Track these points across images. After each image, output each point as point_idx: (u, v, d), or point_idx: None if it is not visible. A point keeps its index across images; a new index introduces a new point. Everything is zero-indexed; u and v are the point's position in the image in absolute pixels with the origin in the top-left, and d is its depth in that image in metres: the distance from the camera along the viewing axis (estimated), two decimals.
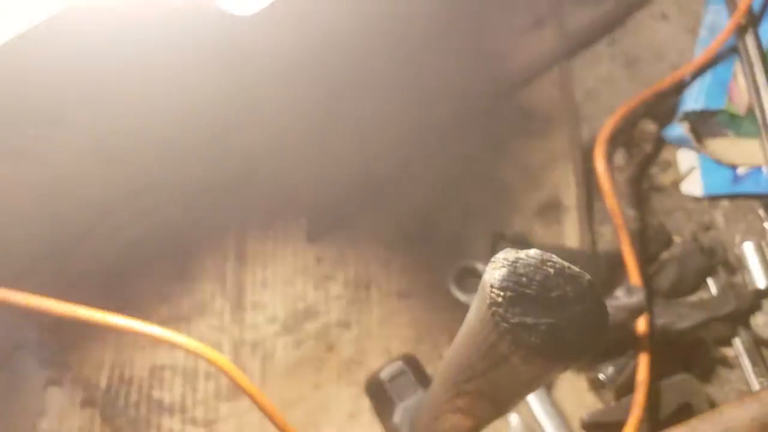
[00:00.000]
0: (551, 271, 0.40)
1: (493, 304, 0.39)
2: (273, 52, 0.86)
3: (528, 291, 0.39)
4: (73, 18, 0.72)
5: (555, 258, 0.41)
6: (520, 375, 0.43)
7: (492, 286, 0.39)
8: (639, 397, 0.86)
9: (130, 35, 0.75)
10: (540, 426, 0.89)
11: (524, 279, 0.40)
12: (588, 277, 0.40)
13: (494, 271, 0.40)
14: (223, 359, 0.81)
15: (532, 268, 0.40)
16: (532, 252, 0.41)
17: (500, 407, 0.53)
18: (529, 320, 0.38)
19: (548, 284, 0.40)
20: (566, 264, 0.41)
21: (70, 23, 0.73)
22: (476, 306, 0.42)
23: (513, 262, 0.40)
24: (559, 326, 0.39)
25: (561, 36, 1.08)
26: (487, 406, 0.53)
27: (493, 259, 0.40)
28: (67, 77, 0.76)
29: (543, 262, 0.40)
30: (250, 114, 0.98)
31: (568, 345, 0.39)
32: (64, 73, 0.75)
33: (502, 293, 0.39)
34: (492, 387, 0.49)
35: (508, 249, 0.40)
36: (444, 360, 0.56)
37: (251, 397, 0.81)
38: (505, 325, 0.39)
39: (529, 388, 0.47)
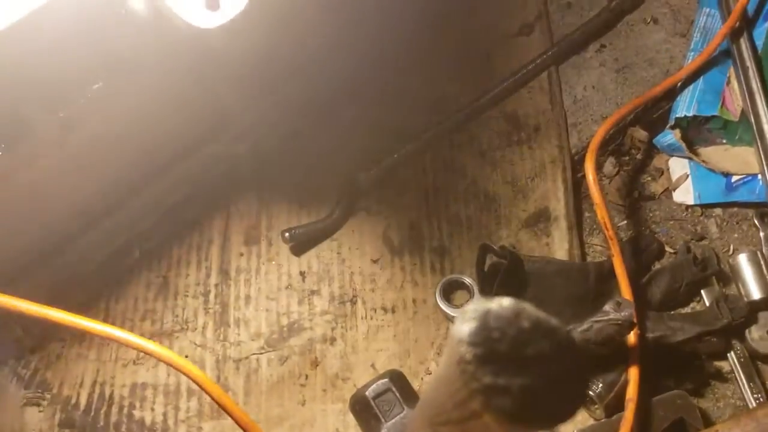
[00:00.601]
0: (525, 324, 0.37)
1: (463, 360, 0.36)
2: (242, 60, 0.84)
3: (500, 347, 0.37)
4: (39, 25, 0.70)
5: (530, 309, 0.38)
6: None
7: (461, 341, 0.37)
8: (628, 415, 0.84)
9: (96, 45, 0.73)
10: None
11: (496, 333, 0.37)
12: (566, 330, 0.37)
13: (463, 324, 0.37)
14: (202, 374, 0.79)
15: (504, 320, 0.37)
16: (506, 302, 0.38)
17: None
18: (500, 381, 0.35)
19: (522, 339, 0.37)
20: (542, 316, 0.38)
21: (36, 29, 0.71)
22: (447, 356, 0.40)
23: (484, 314, 0.37)
24: (533, 387, 0.36)
25: (549, 42, 1.05)
26: None
27: (462, 311, 0.37)
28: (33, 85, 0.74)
29: (517, 314, 0.37)
30: (228, 123, 0.95)
31: (544, 409, 0.36)
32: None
33: (471, 350, 0.36)
34: None
35: (477, 299, 0.38)
36: (424, 395, 0.54)
37: (227, 411, 0.79)
38: (476, 384, 0.36)
39: None
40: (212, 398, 0.79)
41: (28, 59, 0.67)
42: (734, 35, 1.01)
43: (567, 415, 0.37)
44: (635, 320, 0.86)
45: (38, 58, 0.66)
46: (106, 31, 0.66)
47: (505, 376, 0.36)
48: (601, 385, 0.87)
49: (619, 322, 0.86)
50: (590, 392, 0.87)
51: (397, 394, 0.88)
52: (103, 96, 0.73)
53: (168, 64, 0.73)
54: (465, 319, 0.37)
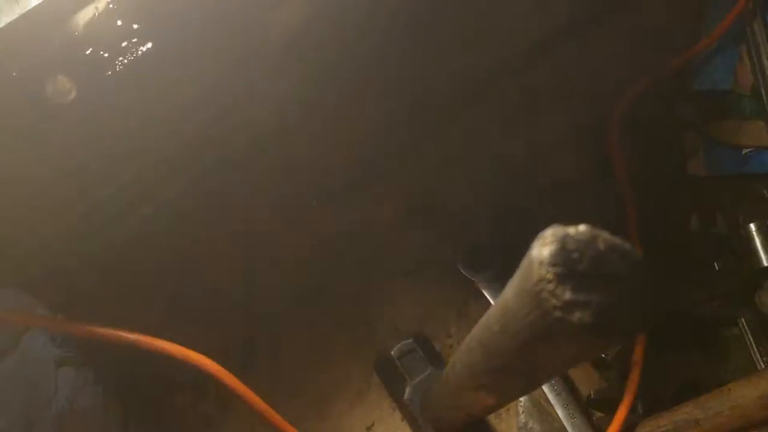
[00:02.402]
0: (602, 246, 0.40)
1: (542, 280, 0.39)
2: (285, 26, 0.86)
3: (578, 268, 0.39)
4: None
5: (606, 233, 0.40)
6: (560, 353, 0.43)
7: (542, 263, 0.39)
8: (634, 376, 0.86)
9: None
10: (548, 402, 0.90)
11: (575, 255, 0.39)
12: (639, 253, 0.40)
13: (543, 247, 0.39)
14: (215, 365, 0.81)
15: (582, 243, 0.40)
16: (582, 227, 0.40)
17: (530, 384, 0.53)
18: (581, 298, 0.38)
19: (599, 260, 0.40)
20: (618, 240, 0.40)
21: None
22: (517, 284, 0.42)
23: (562, 238, 0.40)
24: (611, 304, 0.39)
25: (566, 14, 1.08)
26: (517, 383, 0.54)
27: (540, 235, 0.40)
28: None
29: (593, 237, 0.40)
30: (259, 89, 0.97)
31: (620, 322, 0.39)
32: None
33: (552, 269, 0.39)
34: (526, 365, 0.49)
35: (555, 225, 0.40)
36: (469, 338, 0.56)
37: (244, 398, 0.81)
38: (554, 301, 0.39)
39: (568, 365, 0.47)
40: (233, 390, 0.81)
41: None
42: (747, 13, 1.04)
43: (641, 327, 0.39)
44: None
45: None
46: None
47: (584, 293, 0.38)
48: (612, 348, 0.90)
49: None
50: (602, 355, 0.90)
51: (422, 354, 0.90)
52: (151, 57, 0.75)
53: (212, 32, 0.75)
54: (545, 243, 0.40)
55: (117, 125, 0.84)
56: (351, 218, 0.99)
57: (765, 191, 1.01)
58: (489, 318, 0.50)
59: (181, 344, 0.83)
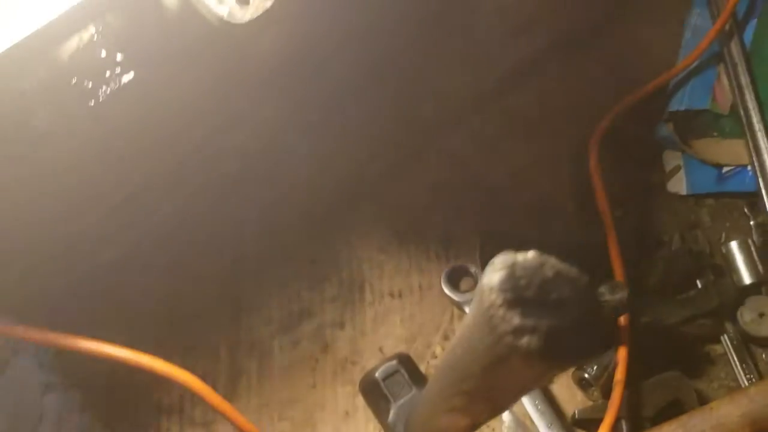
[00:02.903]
0: (550, 273, 0.41)
1: (492, 306, 0.40)
2: (267, 55, 0.87)
3: (526, 293, 0.41)
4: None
5: (553, 260, 0.42)
6: (518, 376, 0.44)
7: (491, 288, 0.40)
8: (615, 396, 0.87)
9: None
10: (532, 422, 0.91)
11: (523, 281, 0.41)
12: (586, 278, 0.42)
13: (493, 273, 0.41)
14: (196, 381, 0.82)
15: (530, 270, 0.41)
16: (530, 254, 0.42)
17: (497, 407, 0.54)
18: (528, 322, 0.40)
19: (547, 287, 0.41)
20: (564, 266, 0.42)
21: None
22: (474, 308, 0.43)
23: (511, 264, 0.41)
24: (558, 328, 0.40)
25: (548, 38, 1.09)
26: (484, 406, 0.55)
27: (491, 262, 0.41)
28: None
29: (541, 264, 0.42)
30: (244, 115, 0.99)
31: (568, 346, 0.40)
32: None
33: (501, 295, 0.40)
34: (489, 387, 0.50)
35: (505, 252, 0.41)
36: (441, 360, 0.58)
37: (229, 418, 0.82)
38: (505, 326, 0.40)
39: (527, 388, 0.48)
40: (218, 410, 0.82)
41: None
42: (724, 34, 1.06)
43: (588, 350, 0.40)
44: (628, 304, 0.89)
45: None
46: (137, 24, 0.70)
47: (532, 318, 0.40)
48: (595, 367, 0.91)
49: (613, 304, 0.89)
50: (585, 374, 0.91)
51: (406, 376, 0.91)
52: (133, 87, 0.76)
53: (196, 59, 0.76)
54: (494, 269, 0.41)
55: (102, 152, 0.85)
56: (334, 241, 1.00)
57: (746, 209, 1.02)
58: (455, 341, 0.51)
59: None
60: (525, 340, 0.39)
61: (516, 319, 0.40)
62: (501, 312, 0.40)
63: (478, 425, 0.63)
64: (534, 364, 0.40)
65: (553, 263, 0.42)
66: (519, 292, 0.41)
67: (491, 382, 0.48)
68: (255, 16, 0.66)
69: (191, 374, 0.82)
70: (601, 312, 0.41)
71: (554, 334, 0.40)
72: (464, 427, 0.64)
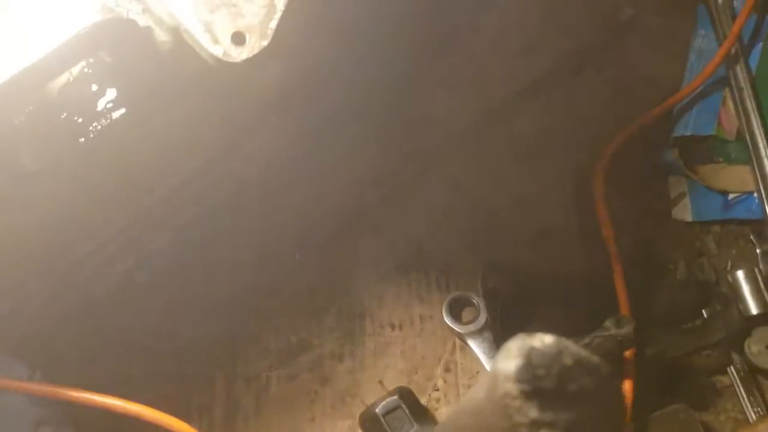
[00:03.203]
0: (569, 361, 0.39)
1: (508, 396, 0.38)
2: (264, 86, 0.85)
3: (544, 384, 0.38)
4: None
5: (572, 347, 0.39)
6: None
7: (507, 377, 0.38)
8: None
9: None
10: None
11: (540, 371, 0.38)
12: (607, 368, 0.39)
13: (508, 360, 0.38)
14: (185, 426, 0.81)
15: (548, 358, 0.39)
16: (548, 339, 0.39)
17: None
18: (547, 417, 0.37)
19: (566, 376, 0.39)
20: (584, 354, 0.39)
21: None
22: (488, 391, 0.41)
23: (528, 351, 0.39)
24: (577, 422, 0.38)
25: (551, 61, 1.07)
26: None
27: (504, 347, 0.39)
28: None
29: (560, 352, 0.39)
30: (241, 142, 0.97)
31: None
32: None
33: (518, 386, 0.38)
34: None
35: (520, 336, 0.39)
36: (447, 420, 0.55)
37: None
38: (521, 418, 0.38)
39: None
40: None
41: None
42: (730, 58, 1.04)
43: None
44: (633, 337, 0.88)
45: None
46: (131, 60, 0.67)
47: (550, 412, 0.37)
48: None
49: (619, 338, 0.88)
50: None
51: (407, 412, 0.89)
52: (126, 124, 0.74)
53: (190, 94, 0.74)
54: (509, 356, 0.39)
55: (93, 186, 0.83)
56: (333, 271, 0.98)
57: (752, 236, 1.00)
58: (463, 411, 0.49)
59: (161, 401, 0.83)
60: None
61: (533, 412, 0.37)
62: (517, 403, 0.38)
63: None
64: None
65: (572, 351, 0.39)
66: (537, 383, 0.38)
67: None
68: (251, 55, 0.64)
69: (179, 420, 0.80)
70: (623, 403, 0.38)
71: (573, 428, 0.38)
72: None
